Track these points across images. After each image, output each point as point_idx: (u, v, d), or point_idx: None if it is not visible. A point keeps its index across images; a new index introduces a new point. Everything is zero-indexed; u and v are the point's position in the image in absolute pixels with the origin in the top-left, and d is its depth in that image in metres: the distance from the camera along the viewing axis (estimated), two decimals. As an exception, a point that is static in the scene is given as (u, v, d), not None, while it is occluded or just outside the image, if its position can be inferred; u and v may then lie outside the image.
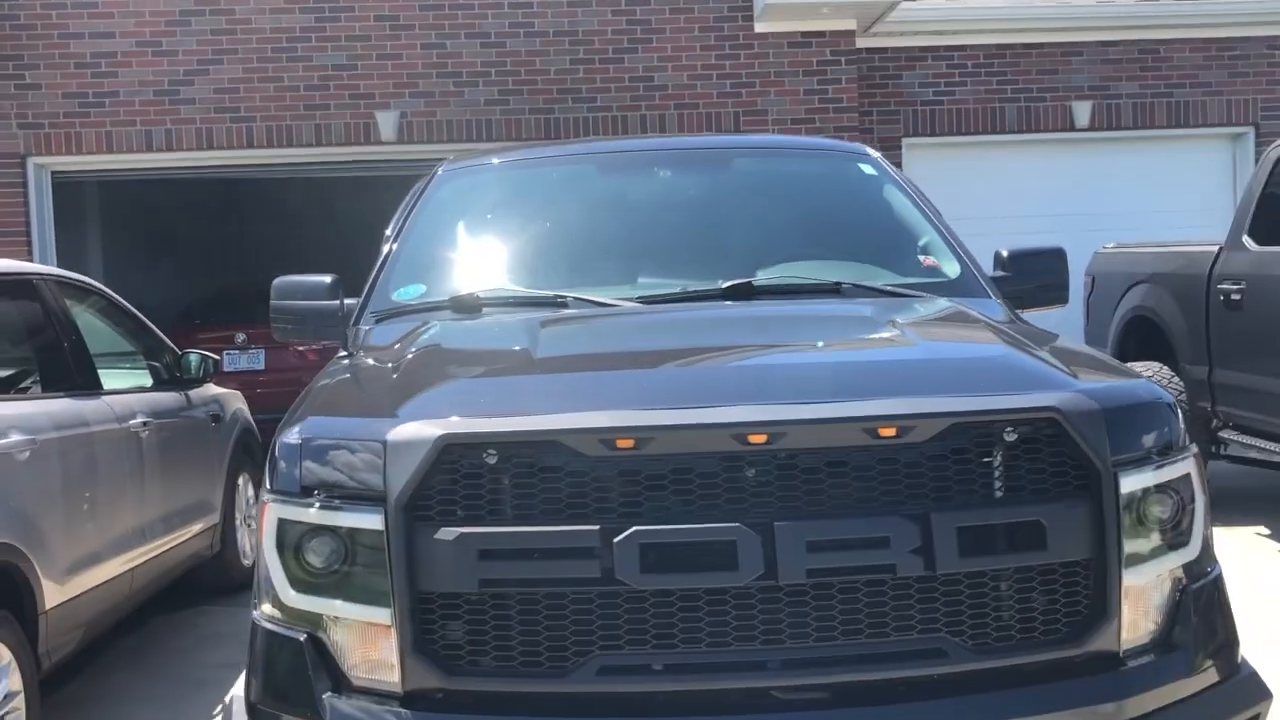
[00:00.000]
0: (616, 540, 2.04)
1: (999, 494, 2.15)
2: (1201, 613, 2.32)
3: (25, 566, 3.87)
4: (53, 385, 4.53)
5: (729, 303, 3.24)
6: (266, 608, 2.34)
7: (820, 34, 9.37)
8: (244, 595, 6.22)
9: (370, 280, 3.73)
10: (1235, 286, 6.48)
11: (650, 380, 2.40)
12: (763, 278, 3.37)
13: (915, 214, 3.88)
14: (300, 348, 10.48)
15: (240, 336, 9.84)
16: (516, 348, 2.73)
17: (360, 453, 2.23)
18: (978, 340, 2.70)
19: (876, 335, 2.75)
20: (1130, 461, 2.22)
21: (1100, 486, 2.15)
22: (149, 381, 5.54)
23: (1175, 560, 2.28)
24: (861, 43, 9.72)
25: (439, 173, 4.11)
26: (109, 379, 5.01)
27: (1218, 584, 2.38)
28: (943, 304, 3.15)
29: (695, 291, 3.37)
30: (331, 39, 9.11)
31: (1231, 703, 2.27)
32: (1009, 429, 2.16)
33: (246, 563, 6.48)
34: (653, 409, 2.16)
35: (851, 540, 2.06)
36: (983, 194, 9.87)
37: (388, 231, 3.95)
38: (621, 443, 2.09)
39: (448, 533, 2.09)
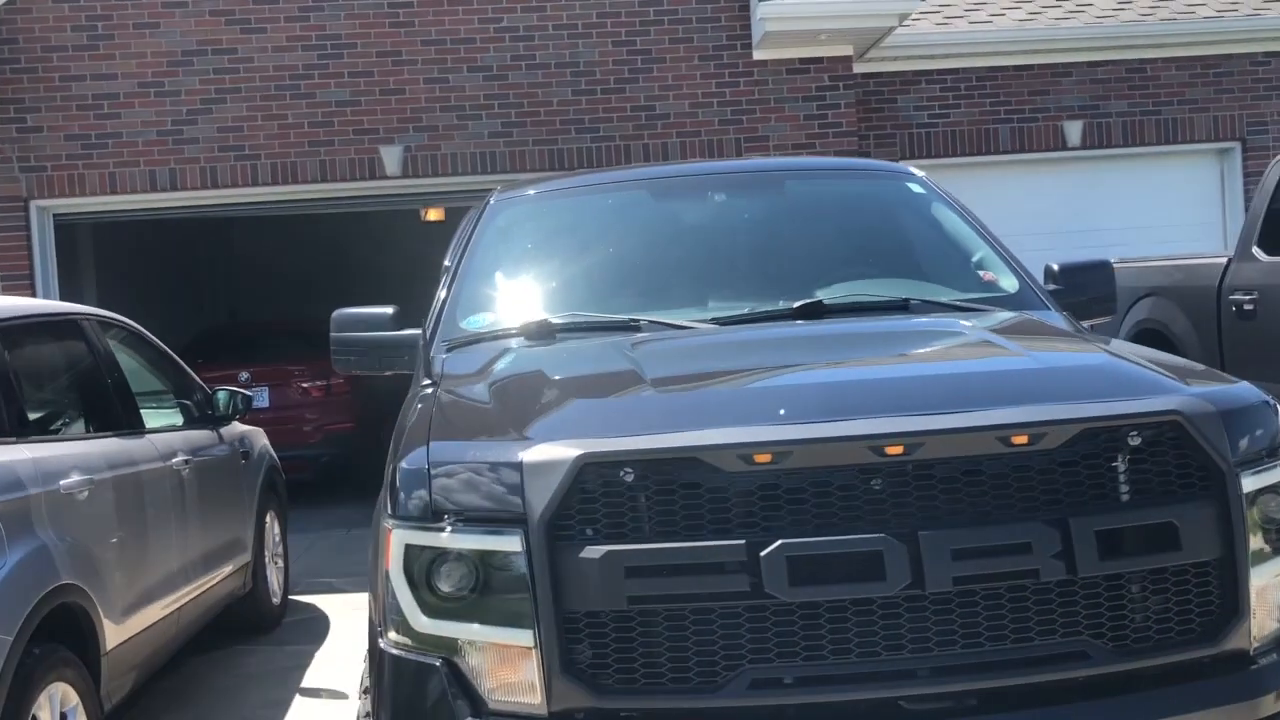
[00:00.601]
0: (763, 554, 2.06)
1: (1130, 497, 2.19)
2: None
3: (89, 607, 3.84)
4: (100, 424, 4.51)
5: (801, 322, 3.29)
6: (394, 635, 2.34)
7: (818, 60, 9.48)
8: (276, 634, 6.20)
9: (436, 310, 3.75)
10: (1248, 297, 6.59)
11: (778, 396, 2.43)
12: (829, 297, 3.42)
13: (967, 230, 3.95)
14: (305, 384, 10.50)
15: (244, 375, 9.79)
16: (619, 369, 2.75)
17: (495, 475, 2.24)
18: (1079, 349, 2.75)
19: (978, 347, 2.80)
20: (1248, 461, 2.27)
21: (1225, 486, 2.20)
22: (180, 419, 5.52)
23: (1285, 561, 2.32)
24: (858, 68, 9.84)
25: (491, 202, 4.14)
26: (146, 418, 4.99)
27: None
28: (1021, 316, 3.20)
29: (766, 312, 3.42)
30: (335, 75, 9.12)
31: (1352, 697, 2.31)
32: (1134, 433, 2.20)
33: (275, 601, 6.44)
34: (788, 424, 2.18)
35: (995, 547, 2.09)
36: (979, 214, 9.97)
37: (447, 262, 3.98)
38: (759, 458, 2.12)
39: (593, 551, 2.10)
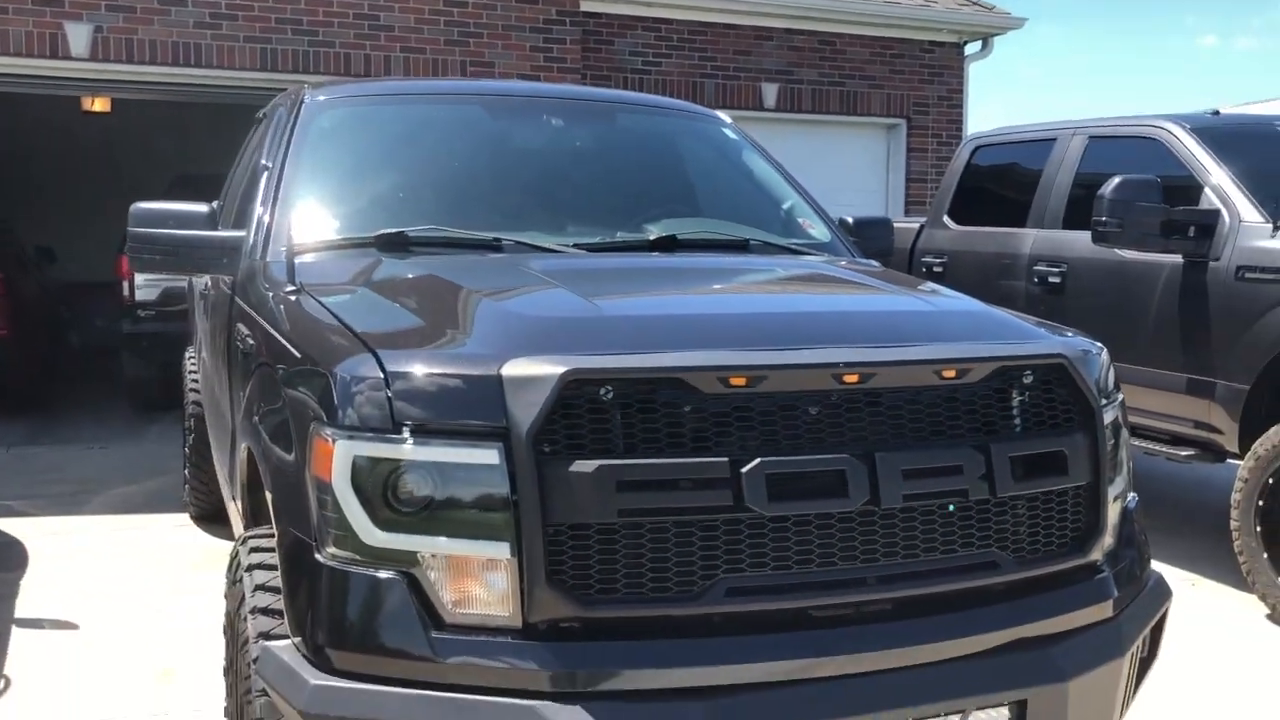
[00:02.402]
0: (745, 471, 2.18)
1: (1030, 429, 2.50)
2: (1134, 528, 2.81)
3: None
4: None
5: (660, 254, 3.41)
6: (334, 549, 2.24)
7: (547, -8, 9.50)
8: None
9: (263, 213, 3.51)
10: (937, 260, 7.40)
11: (745, 324, 2.53)
12: (679, 233, 3.56)
13: (778, 177, 4.22)
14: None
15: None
16: (545, 287, 2.74)
17: (469, 388, 2.19)
18: (949, 294, 3.05)
19: (883, 289, 3.04)
20: (1101, 398, 2.65)
21: (1095, 420, 2.56)
22: None
23: (1121, 484, 2.75)
24: (583, 6, 9.94)
25: (307, 101, 3.90)
26: None
27: (1138, 508, 2.89)
28: (865, 262, 3.50)
29: (625, 241, 3.51)
30: (12, -68, 8.03)
31: (1159, 597, 2.79)
32: (1028, 372, 2.51)
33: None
34: (760, 350, 2.30)
35: (936, 469, 2.32)
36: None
37: (266, 161, 3.72)
38: (735, 381, 2.22)
39: (586, 465, 2.12)
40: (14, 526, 6.19)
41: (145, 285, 9.03)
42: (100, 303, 14.48)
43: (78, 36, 8.17)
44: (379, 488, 2.19)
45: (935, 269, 7.39)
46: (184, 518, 6.38)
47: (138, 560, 5.64)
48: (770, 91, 11.13)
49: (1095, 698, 2.45)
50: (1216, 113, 6.34)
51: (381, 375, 2.22)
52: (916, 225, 7.81)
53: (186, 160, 12.15)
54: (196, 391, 5.91)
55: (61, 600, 5.02)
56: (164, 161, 12.60)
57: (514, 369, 2.17)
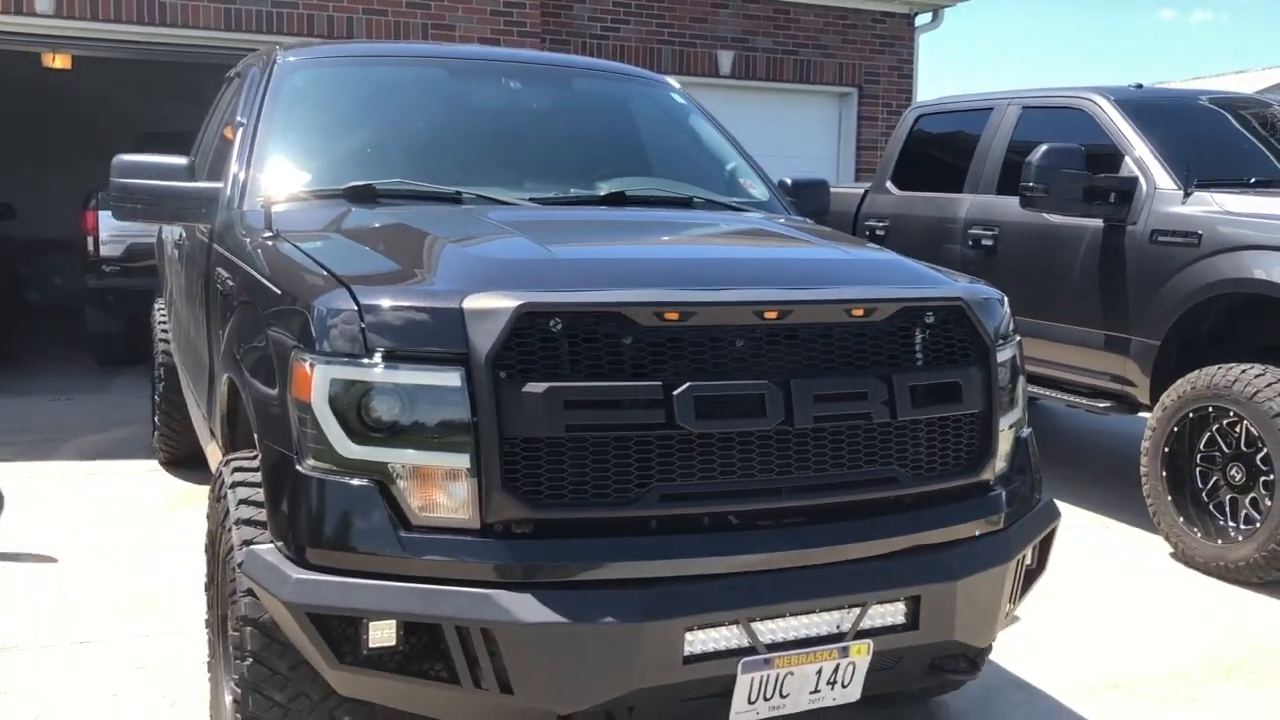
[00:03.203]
0: (676, 393, 2.49)
1: (929, 362, 2.83)
2: (1027, 456, 3.16)
3: None
4: None
5: (609, 208, 3.72)
6: (314, 461, 2.52)
7: (508, -42, 9.69)
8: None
9: (238, 166, 3.76)
10: (880, 224, 7.74)
11: (677, 265, 2.84)
12: (628, 189, 3.85)
13: (722, 140, 4.52)
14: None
15: None
16: (501, 233, 3.04)
17: (433, 318, 2.48)
18: (870, 247, 3.38)
19: (800, 240, 3.36)
20: (997, 339, 2.99)
21: (988, 357, 2.90)
22: None
23: (1014, 416, 3.09)
24: (543, -29, 10.16)
25: (280, 61, 4.14)
26: None
27: (1032, 439, 3.24)
28: (796, 219, 3.81)
29: (577, 196, 3.81)
30: (-24, -112, 8.11)
31: (1047, 517, 3.14)
32: (929, 313, 2.84)
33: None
34: (692, 289, 2.61)
35: (843, 395, 2.65)
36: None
37: (240, 118, 3.97)
38: (669, 315, 2.54)
39: (537, 387, 2.42)
40: (-16, 469, 6.41)
41: (110, 240, 9.19)
42: (58, 259, 14.55)
43: (43, -7, 8.30)
44: (353, 407, 2.48)
45: (878, 232, 7.73)
46: (153, 463, 6.62)
47: (112, 501, 5.89)
48: (726, 59, 11.40)
49: (981, 597, 2.80)
50: (1140, 86, 6.70)
51: (355, 308, 2.51)
52: (861, 190, 8.15)
53: (149, 118, 12.24)
54: (166, 341, 6.14)
55: (39, 538, 5.26)
56: (127, 119, 12.68)
57: (474, 302, 2.47)
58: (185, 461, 6.48)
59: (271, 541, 2.65)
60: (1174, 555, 5.33)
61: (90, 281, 9.30)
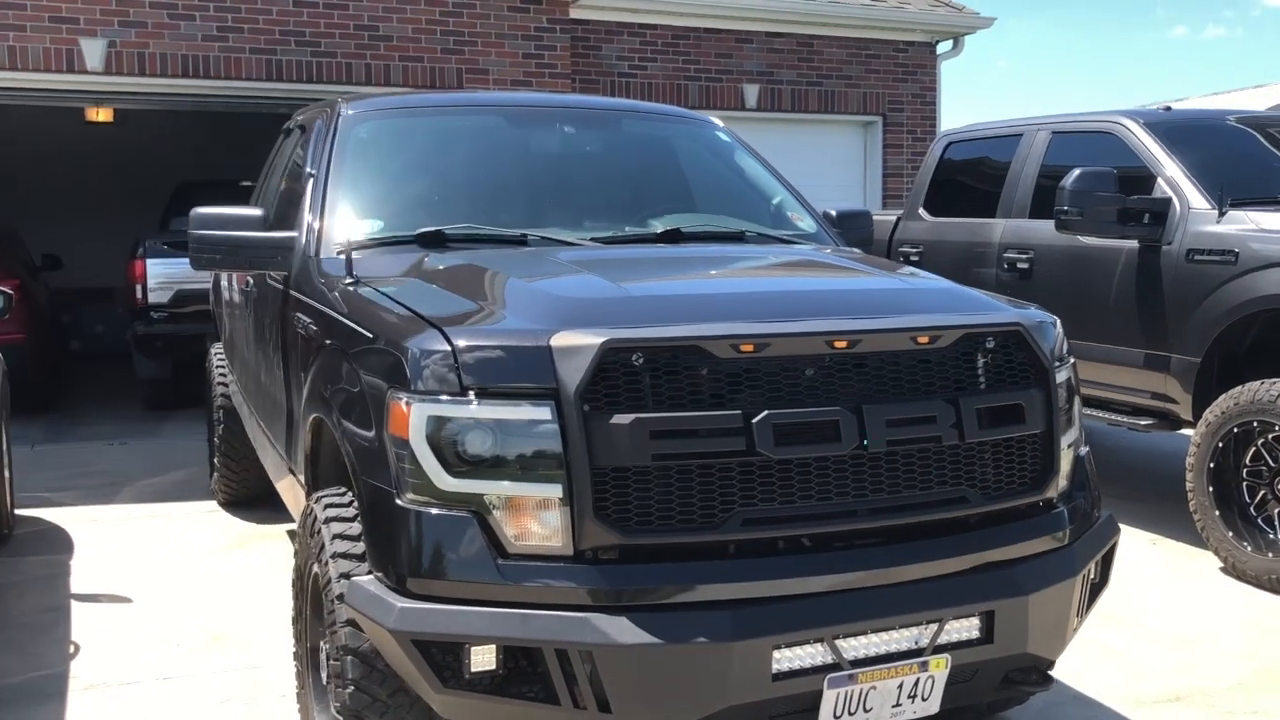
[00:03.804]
0: (755, 421, 2.62)
1: (993, 385, 2.94)
2: (1086, 473, 3.27)
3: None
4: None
5: (667, 245, 3.86)
6: (413, 495, 2.66)
7: (538, 1, 9.91)
8: (12, 546, 5.92)
9: (312, 216, 3.93)
10: (914, 250, 7.87)
11: (751, 300, 2.98)
12: (683, 226, 4.00)
13: (767, 174, 4.67)
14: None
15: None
16: (576, 272, 3.19)
17: (523, 356, 2.62)
18: (924, 275, 3.50)
19: (856, 271, 3.50)
20: (1054, 360, 3.11)
21: (1048, 378, 3.01)
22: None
23: (1073, 435, 3.20)
24: (572, 14, 10.37)
25: (344, 114, 4.31)
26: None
27: (1089, 456, 3.34)
28: (848, 250, 3.95)
29: (635, 235, 3.96)
30: (29, -47, 8.40)
31: (1108, 532, 3.25)
32: (989, 339, 2.96)
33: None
34: (765, 322, 2.75)
35: (914, 419, 2.77)
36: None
37: (310, 169, 4.14)
38: (745, 347, 2.67)
39: (624, 418, 2.56)
40: (53, 515, 6.59)
41: (157, 288, 9.42)
42: (99, 308, 14.84)
43: (93, 51, 8.55)
44: (450, 442, 2.62)
45: (912, 258, 7.85)
46: (212, 504, 6.78)
47: (176, 542, 6.05)
48: (751, 92, 11.59)
49: (1052, 610, 2.90)
50: (1168, 108, 6.82)
51: (449, 348, 2.65)
52: (894, 218, 8.28)
53: (186, 168, 12.51)
54: (225, 385, 6.31)
55: (111, 578, 5.42)
56: (165, 169, 12.95)
57: (561, 340, 2.61)
58: (243, 502, 6.65)
59: (370, 573, 2.78)
60: (1224, 569, 5.39)
61: (139, 328, 9.52)
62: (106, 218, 14.42)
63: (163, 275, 9.36)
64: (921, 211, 8.00)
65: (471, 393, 2.62)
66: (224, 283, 6.06)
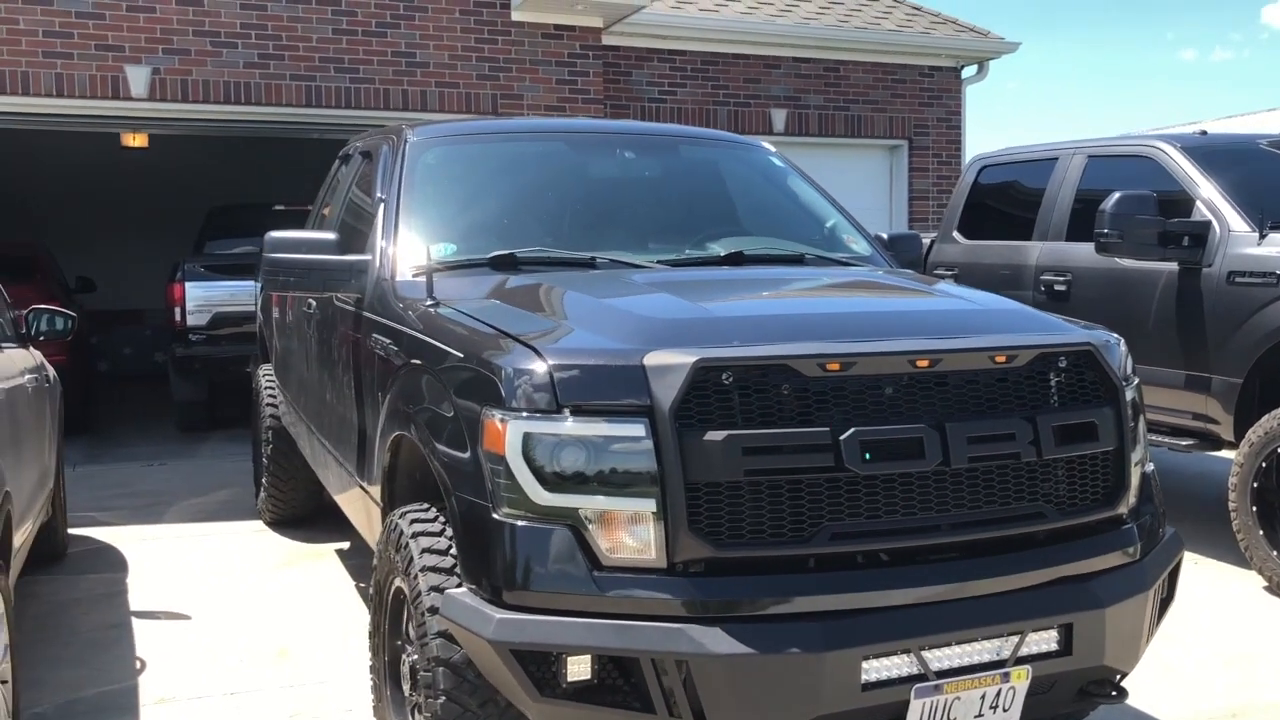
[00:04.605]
0: (843, 438, 2.69)
1: (1066, 403, 3.02)
2: (1153, 490, 3.33)
3: (12, 514, 3.78)
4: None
5: (732, 267, 3.95)
6: (509, 510, 2.73)
7: (571, 28, 10.05)
8: (67, 564, 6.01)
9: (381, 239, 4.03)
10: (949, 272, 7.95)
11: (836, 320, 3.07)
12: (745, 249, 4.09)
13: (820, 198, 4.76)
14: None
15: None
16: (655, 294, 3.28)
17: (617, 375, 2.70)
18: (993, 297, 3.58)
19: (924, 292, 3.58)
20: (1124, 380, 3.18)
21: (1119, 398, 3.09)
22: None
23: (1140, 452, 3.27)
24: (604, 40, 10.51)
25: (410, 140, 4.42)
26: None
27: (1155, 474, 3.41)
28: (908, 271, 4.03)
29: (699, 257, 4.05)
30: (76, -16, 8.56)
31: (1175, 548, 3.31)
32: (1062, 358, 3.04)
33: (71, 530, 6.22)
34: (849, 341, 2.83)
35: (994, 436, 2.84)
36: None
37: (380, 194, 4.24)
38: (831, 366, 2.75)
39: (717, 435, 2.63)
40: (104, 534, 6.68)
41: (195, 310, 9.54)
42: (128, 330, 15.00)
43: (138, 79, 8.70)
44: (545, 457, 2.70)
45: (948, 280, 7.93)
46: (258, 524, 6.86)
47: (227, 560, 6.13)
48: (779, 117, 11.71)
49: (1127, 623, 2.96)
50: (1204, 132, 6.90)
51: (544, 367, 2.74)
52: (927, 240, 8.36)
53: (216, 191, 12.67)
54: (275, 405, 6.40)
55: (168, 595, 5.50)
56: (193, 192, 13.12)
57: (654, 359, 2.69)
58: (290, 522, 6.73)
59: (462, 585, 2.86)
60: (1268, 589, 5.43)
61: (177, 350, 9.64)
62: (132, 240, 14.61)
63: (201, 298, 9.49)
64: (956, 234, 8.09)
65: (567, 410, 2.70)
66: (276, 305, 6.16)
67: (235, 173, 14.01)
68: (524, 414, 2.72)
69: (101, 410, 11.68)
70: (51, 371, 6.07)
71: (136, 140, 11.81)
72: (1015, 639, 2.80)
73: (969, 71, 12.74)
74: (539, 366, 2.75)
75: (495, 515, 2.76)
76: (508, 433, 2.73)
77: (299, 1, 9.21)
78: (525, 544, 2.72)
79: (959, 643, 2.74)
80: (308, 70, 9.24)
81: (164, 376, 10.48)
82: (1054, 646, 2.86)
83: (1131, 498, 3.15)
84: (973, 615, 2.76)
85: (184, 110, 9.02)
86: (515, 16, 9.83)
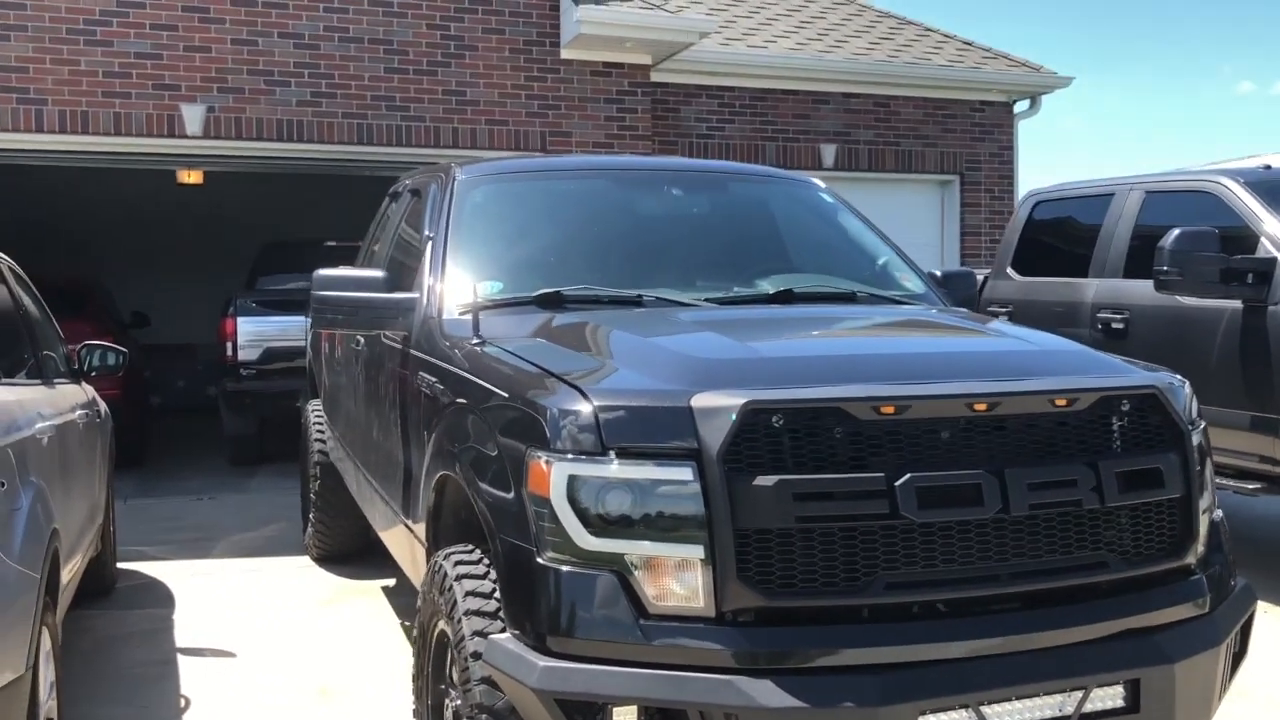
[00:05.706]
0: (898, 484, 2.60)
1: (1130, 448, 2.91)
2: (1222, 539, 3.20)
3: (59, 556, 3.78)
4: (23, 369, 4.35)
5: (782, 305, 3.88)
6: (553, 554, 2.67)
7: (620, 65, 10.09)
8: (115, 598, 6.03)
9: (428, 277, 4.01)
10: (1003, 309, 7.81)
11: (889, 362, 2.99)
12: (795, 286, 4.02)
13: (871, 235, 4.68)
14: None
15: None
16: (705, 333, 3.22)
17: (664, 417, 2.64)
18: (1052, 337, 3.48)
19: (981, 333, 3.49)
20: (1190, 424, 3.06)
21: (1185, 442, 2.97)
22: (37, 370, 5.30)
23: (1208, 499, 3.14)
24: (652, 76, 10.53)
25: (459, 178, 4.40)
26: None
27: (1224, 522, 3.28)
28: (962, 310, 3.94)
29: (748, 295, 3.98)
30: (135, 25, 8.72)
31: (1247, 600, 3.17)
32: (1125, 401, 2.93)
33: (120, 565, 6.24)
34: (902, 384, 2.74)
35: (1055, 482, 2.74)
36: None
37: (428, 232, 4.23)
38: (885, 409, 2.66)
39: (767, 480, 2.56)
40: (152, 569, 6.70)
41: (247, 345, 9.62)
42: (181, 364, 15.18)
43: (193, 117, 8.84)
44: (591, 501, 2.64)
45: (1001, 317, 7.80)
46: (305, 560, 6.85)
47: (273, 596, 6.11)
48: (829, 152, 11.65)
49: (1198, 680, 2.83)
50: (1268, 167, 6.74)
51: (590, 408, 2.68)
52: (981, 276, 8.23)
53: (269, 227, 12.82)
54: (323, 441, 6.41)
55: (214, 631, 5.49)
56: (247, 229, 13.28)
57: (702, 400, 2.63)
58: (337, 558, 6.71)
59: (506, 630, 2.79)
60: (1341, 639, 5.22)
61: (228, 384, 9.72)
62: (186, 276, 14.81)
63: (253, 333, 9.57)
64: (1010, 270, 7.96)
65: (612, 452, 2.63)
66: (326, 341, 6.18)
67: (288, 209, 14.18)
68: (569, 455, 2.67)
69: (154, 444, 11.79)
70: (103, 406, 6.12)
71: (192, 177, 12.01)
72: (1079, 694, 2.68)
73: (1021, 106, 12.61)
74: (584, 407, 2.69)
75: (539, 560, 2.70)
76: (552, 475, 2.67)
77: (351, 41, 9.32)
78: (570, 590, 2.65)
79: (1019, 698, 2.63)
80: (359, 108, 9.34)
81: (216, 410, 10.57)
82: (1120, 703, 2.73)
83: (1200, 547, 3.03)
84: (1034, 669, 2.65)
85: (237, 147, 9.14)
86: (565, 54, 9.88)
